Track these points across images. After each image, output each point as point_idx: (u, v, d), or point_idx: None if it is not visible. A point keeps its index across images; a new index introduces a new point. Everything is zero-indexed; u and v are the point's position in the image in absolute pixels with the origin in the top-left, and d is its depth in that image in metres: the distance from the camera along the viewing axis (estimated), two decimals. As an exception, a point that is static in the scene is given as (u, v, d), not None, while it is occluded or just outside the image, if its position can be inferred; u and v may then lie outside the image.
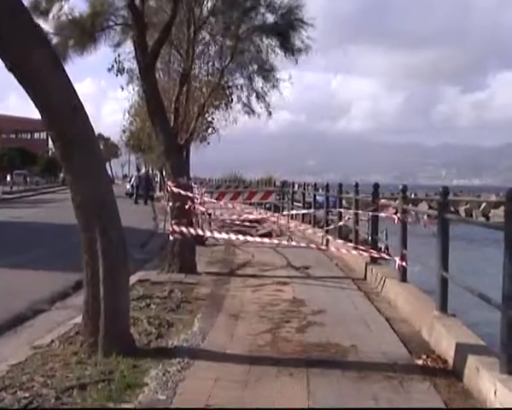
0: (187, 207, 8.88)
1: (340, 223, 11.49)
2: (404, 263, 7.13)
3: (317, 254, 10.17)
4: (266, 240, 8.74)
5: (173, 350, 4.87)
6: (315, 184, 16.56)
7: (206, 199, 13.74)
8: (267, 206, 20.20)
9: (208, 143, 24.04)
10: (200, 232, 9.42)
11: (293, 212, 12.55)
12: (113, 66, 13.12)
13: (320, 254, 10.42)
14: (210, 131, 22.91)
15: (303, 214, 16.52)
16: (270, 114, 14.00)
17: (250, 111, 14.91)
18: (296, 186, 23.09)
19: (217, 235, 9.53)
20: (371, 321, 5.96)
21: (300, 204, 17.45)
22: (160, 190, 43.08)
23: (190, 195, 9.02)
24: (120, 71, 13.57)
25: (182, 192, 8.73)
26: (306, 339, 5.26)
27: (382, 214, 8.85)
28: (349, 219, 10.78)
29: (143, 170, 41.40)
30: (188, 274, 8.59)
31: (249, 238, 8.89)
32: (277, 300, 6.96)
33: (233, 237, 9.25)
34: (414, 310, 6.00)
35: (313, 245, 9.13)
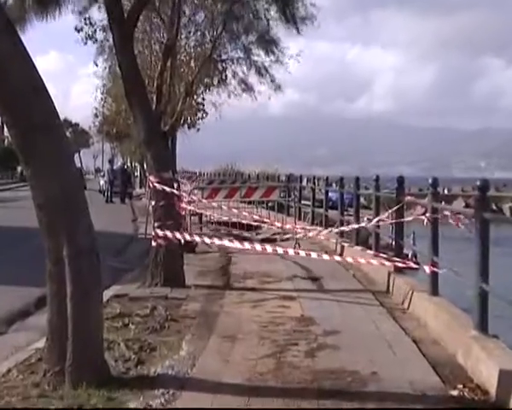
0: (173, 206, 8.88)
1: (358, 225, 11.48)
2: (435, 273, 7.12)
3: (330, 262, 10.15)
4: (269, 248, 8.74)
5: (156, 379, 4.88)
6: (327, 179, 16.57)
7: (195, 197, 13.76)
8: (270, 204, 20.20)
9: (198, 130, 24.09)
10: (189, 237, 9.42)
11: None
12: (82, 28, 13.00)
13: (334, 263, 10.41)
14: (200, 114, 22.95)
15: (312, 215, 16.53)
16: (278, 88, 13.93)
17: (248, 89, 14.91)
18: (304, 181, 23.05)
19: (209, 240, 9.52)
20: (396, 343, 5.96)
21: (309, 202, 17.47)
22: (141, 187, 43.24)
23: (177, 192, 9.01)
24: (90, 36, 13.49)
25: (166, 189, 8.72)
26: (317, 365, 5.26)
27: (409, 218, 8.84)
28: (368, 220, 10.77)
29: (120, 162, 41.50)
30: (174, 288, 8.60)
31: (248, 245, 8.89)
32: (282, 318, 6.96)
33: (228, 243, 9.24)
34: (447, 330, 6.00)
35: (326, 255, 9.13)
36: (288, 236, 13.35)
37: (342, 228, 11.43)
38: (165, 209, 8.84)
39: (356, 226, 10.85)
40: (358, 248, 10.64)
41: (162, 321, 6.74)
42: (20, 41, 4.50)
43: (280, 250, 8.85)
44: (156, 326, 6.52)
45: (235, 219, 14.82)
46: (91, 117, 46.12)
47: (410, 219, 8.87)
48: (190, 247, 11.73)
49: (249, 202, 18.67)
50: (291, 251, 9.01)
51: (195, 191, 14.96)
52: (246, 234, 14.56)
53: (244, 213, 13.24)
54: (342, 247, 11.88)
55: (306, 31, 10.75)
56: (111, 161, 36.41)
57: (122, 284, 9.16)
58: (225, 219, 14.76)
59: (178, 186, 9.51)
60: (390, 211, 9.13)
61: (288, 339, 6.06)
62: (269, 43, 12.14)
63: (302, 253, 8.90)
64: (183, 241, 9.00)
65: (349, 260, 9.26)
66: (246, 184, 21.58)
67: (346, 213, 14.12)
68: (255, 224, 14.21)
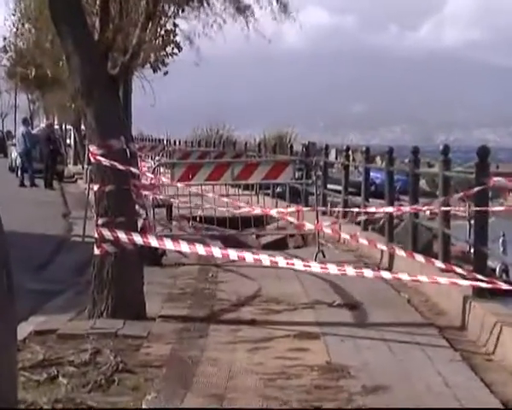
0: (127, 193, 8.89)
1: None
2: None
3: (372, 280, 10.17)
4: (281, 259, 8.72)
5: None
6: (367, 151, 16.56)
7: (163, 178, 13.77)
8: (278, 190, 20.24)
9: (166, 74, 24.04)
10: (153, 241, 9.42)
11: None
12: None
13: (378, 282, 10.43)
14: (170, 49, 22.91)
15: (345, 207, 16.56)
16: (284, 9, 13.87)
17: (241, 9, 14.88)
18: (332, 153, 23.08)
19: (183, 246, 9.53)
20: (475, 407, 5.96)
21: (340, 187, 17.47)
22: (77, 163, 43.26)
23: (133, 170, 9.02)
24: None
25: (118, 166, 8.72)
26: (352, 441, 5.29)
27: (500, 208, 8.85)
28: (431, 213, 10.79)
29: (43, 124, 41.42)
30: (129, 320, 8.61)
31: (244, 254, 8.90)
32: (297, 367, 6.99)
33: (213, 250, 9.25)
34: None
35: (367, 269, 9.11)
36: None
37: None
38: (116, 197, 8.84)
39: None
40: (416, 257, 10.65)
41: (110, 372, 6.73)
42: None
43: (299, 265, 8.84)
44: (100, 380, 6.52)
45: (222, 213, 14.86)
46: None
47: (500, 208, 8.87)
48: (154, 256, 11.74)
49: (246, 187, 18.73)
50: (317, 267, 9.01)
51: (162, 169, 14.99)
52: (242, 236, 14.60)
53: (238, 203, 13.28)
54: (392, 256, 11.87)
55: None
56: (26, 121, 36.14)
57: (47, 315, 9.16)
58: (208, 212, 14.79)
59: (136, 161, 9.51)
60: (466, 199, 9.14)
61: (307, 400, 6.08)
62: None
63: (333, 268, 8.89)
64: (142, 246, 9.02)
65: (402, 276, 9.26)
66: (241, 159, 21.62)
67: (397, 203, 14.14)
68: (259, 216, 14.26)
